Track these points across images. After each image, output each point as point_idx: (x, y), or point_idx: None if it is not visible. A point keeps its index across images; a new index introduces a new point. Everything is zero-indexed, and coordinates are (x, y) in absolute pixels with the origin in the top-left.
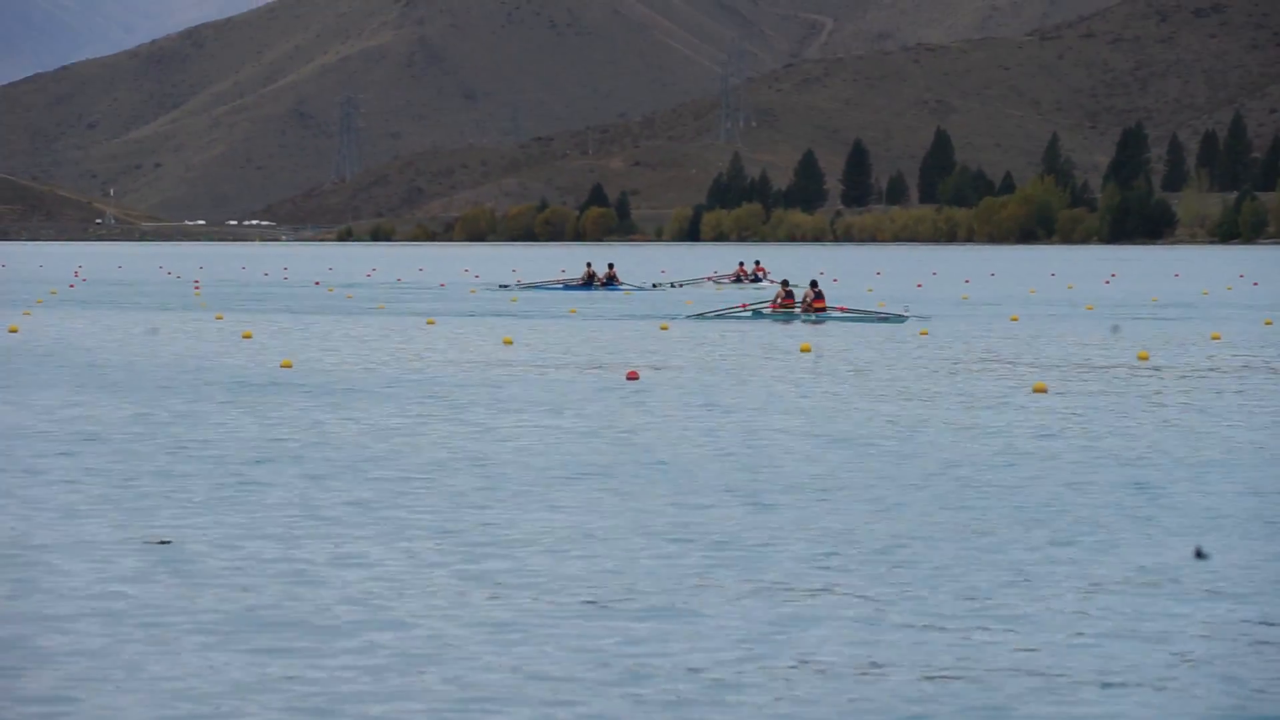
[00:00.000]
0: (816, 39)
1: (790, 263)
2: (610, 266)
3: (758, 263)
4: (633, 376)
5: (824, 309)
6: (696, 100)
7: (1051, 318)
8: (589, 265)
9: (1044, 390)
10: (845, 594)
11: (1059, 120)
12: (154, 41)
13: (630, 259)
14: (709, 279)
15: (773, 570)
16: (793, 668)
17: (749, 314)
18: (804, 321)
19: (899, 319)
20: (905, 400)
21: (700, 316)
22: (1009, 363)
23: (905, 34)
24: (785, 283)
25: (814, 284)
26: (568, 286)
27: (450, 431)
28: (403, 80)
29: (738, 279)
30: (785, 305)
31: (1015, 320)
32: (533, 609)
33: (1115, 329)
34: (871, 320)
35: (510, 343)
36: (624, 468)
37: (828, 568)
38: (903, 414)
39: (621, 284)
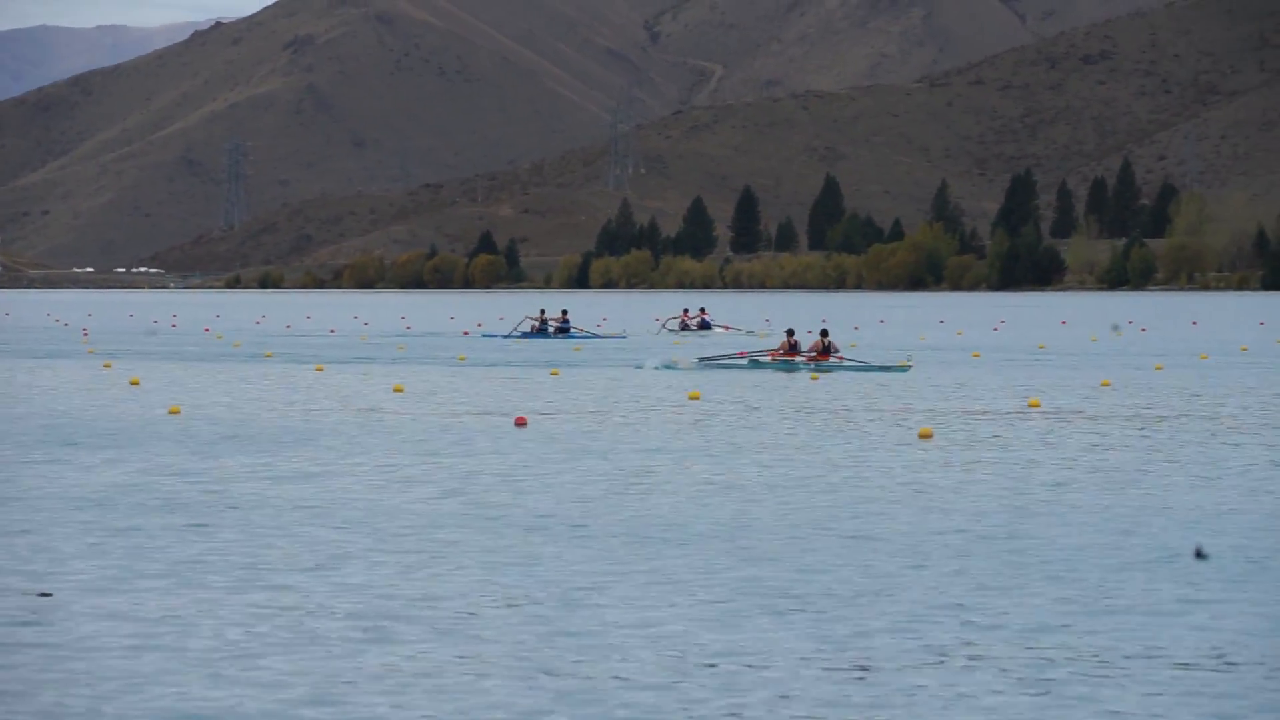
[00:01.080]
0: (706, 86)
1: (680, 307)
2: (698, 311)
3: (702, 309)
4: (521, 423)
5: (827, 359)
6: (585, 147)
7: (941, 364)
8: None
9: (929, 436)
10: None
11: (948, 167)
12: (41, 89)
13: (519, 307)
14: (660, 322)
15: (581, 610)
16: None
17: (746, 363)
18: (808, 371)
19: (903, 369)
20: (787, 447)
21: (704, 362)
22: (897, 409)
23: (794, 81)
24: (790, 332)
25: (824, 333)
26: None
27: (332, 476)
28: (291, 127)
29: (684, 326)
30: (788, 356)
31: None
32: (391, 651)
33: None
34: (874, 370)
35: (401, 390)
36: (496, 512)
37: (670, 615)
38: (782, 460)
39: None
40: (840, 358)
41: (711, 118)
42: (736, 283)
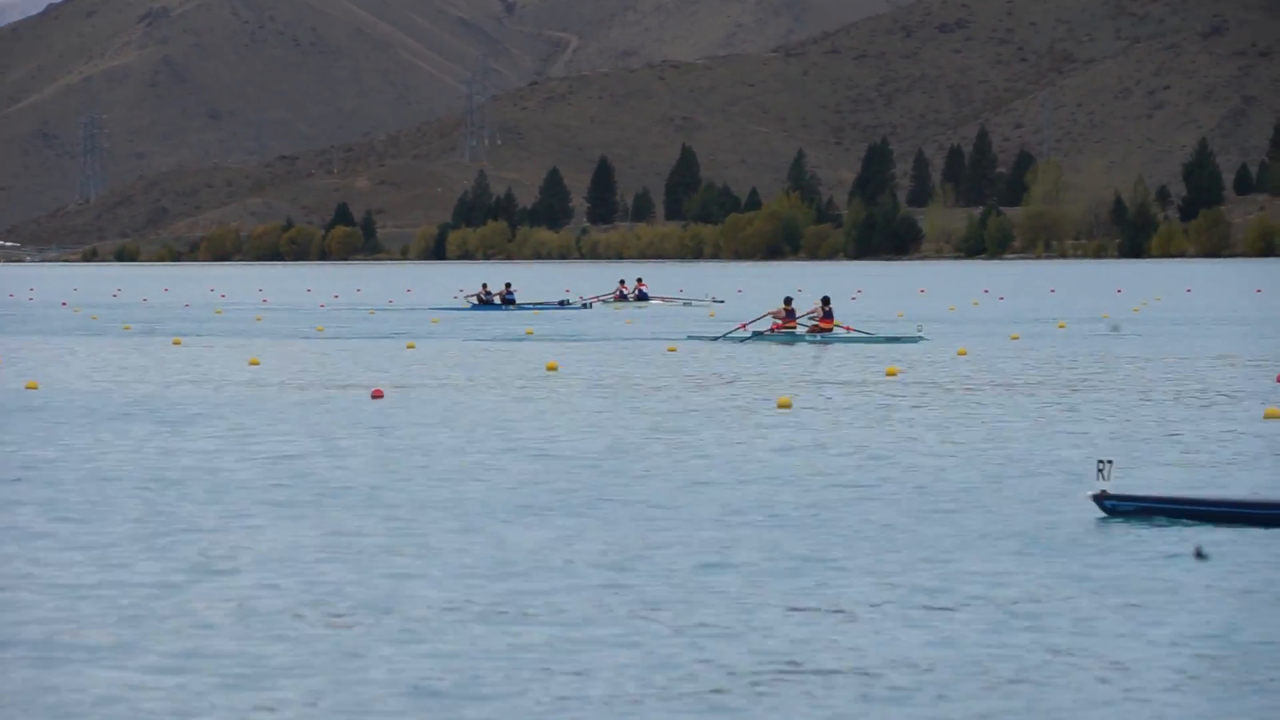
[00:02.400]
0: (561, 56)
1: (539, 280)
2: (635, 282)
3: (639, 280)
4: (378, 395)
5: (831, 329)
6: (441, 118)
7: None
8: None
9: (788, 406)
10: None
11: (804, 136)
12: None
13: (377, 278)
14: (597, 299)
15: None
16: (522, 671)
17: (748, 334)
18: (810, 343)
19: (914, 339)
20: (642, 416)
21: (711, 339)
22: (758, 379)
23: (650, 51)
24: (788, 300)
25: (825, 300)
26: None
27: (186, 449)
28: (147, 100)
29: (622, 296)
30: (787, 326)
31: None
32: (238, 622)
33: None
34: (882, 341)
35: (257, 363)
36: (351, 483)
37: (527, 587)
38: (635, 431)
39: (655, 297)
40: (847, 328)
41: (567, 88)
42: (594, 253)
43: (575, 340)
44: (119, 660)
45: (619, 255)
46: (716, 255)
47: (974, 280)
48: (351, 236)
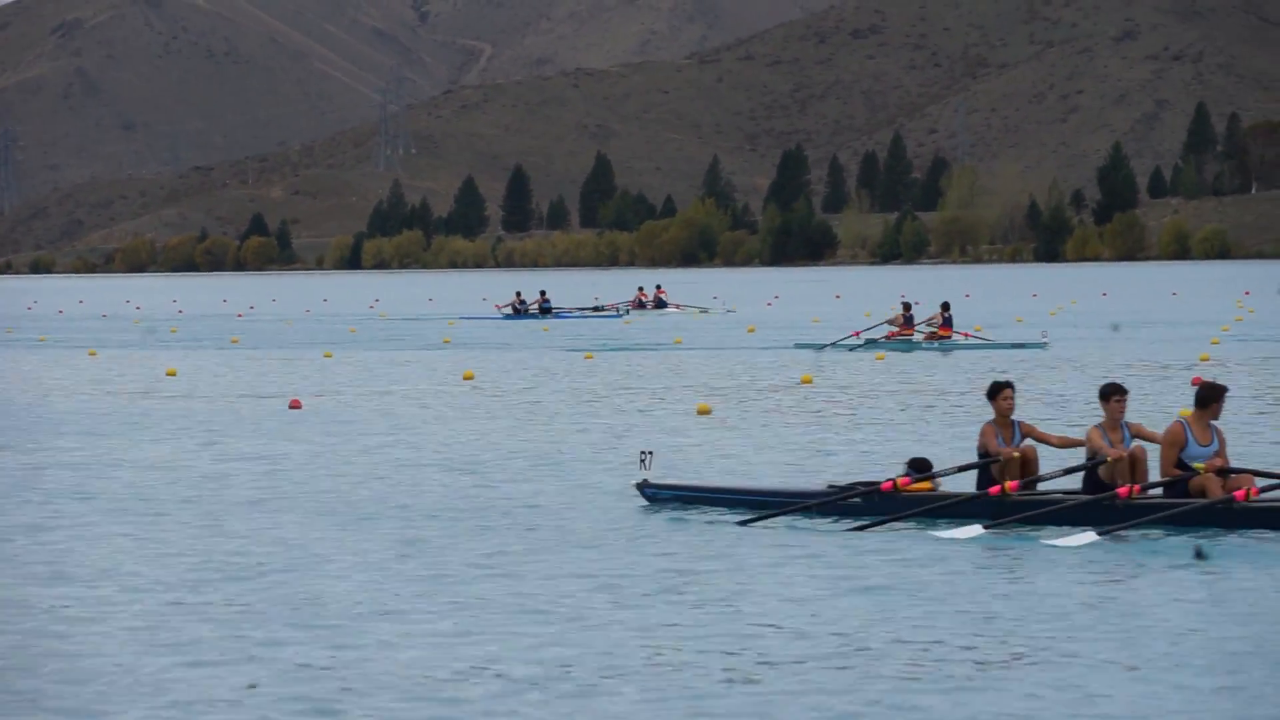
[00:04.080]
0: (475, 65)
1: (456, 289)
2: (654, 289)
3: (659, 287)
4: (295, 405)
5: (950, 336)
6: (356, 128)
7: (714, 341)
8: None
9: (708, 412)
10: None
11: (719, 143)
12: None
13: (293, 289)
14: (612, 307)
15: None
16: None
17: (860, 342)
18: (928, 350)
19: (1039, 345)
20: (542, 426)
21: (822, 347)
22: (674, 385)
23: (564, 59)
24: (906, 305)
25: (945, 306)
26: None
27: (99, 459)
28: (60, 111)
29: (640, 304)
30: (904, 333)
31: (679, 342)
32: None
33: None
34: (1007, 348)
35: (174, 374)
36: (255, 492)
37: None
38: (531, 438)
39: (674, 305)
40: (965, 334)
41: (481, 97)
42: (509, 262)
43: (496, 349)
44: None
45: (535, 264)
46: (632, 262)
47: (890, 286)
48: (266, 247)
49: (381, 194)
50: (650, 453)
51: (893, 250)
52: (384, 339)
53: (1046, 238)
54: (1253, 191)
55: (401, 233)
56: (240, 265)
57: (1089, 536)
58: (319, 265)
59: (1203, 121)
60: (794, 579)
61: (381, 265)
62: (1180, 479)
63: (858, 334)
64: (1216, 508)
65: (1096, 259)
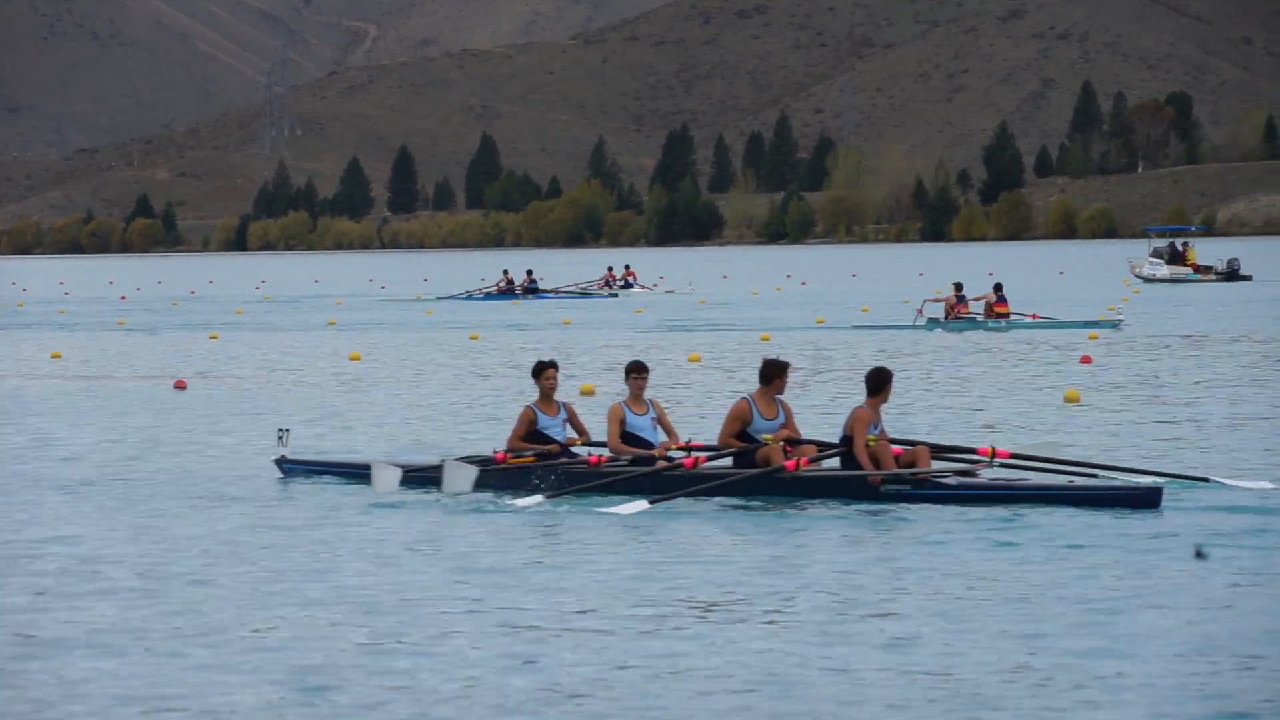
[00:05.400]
0: (360, 46)
1: (342, 271)
2: (623, 270)
3: (627, 267)
4: (180, 385)
5: (1007, 314)
6: (241, 109)
7: (602, 321)
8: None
9: (591, 392)
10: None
11: (605, 124)
12: None
13: (179, 270)
14: (577, 286)
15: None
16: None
17: (924, 322)
18: (989, 330)
19: (1113, 325)
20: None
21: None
22: (569, 368)
23: (449, 40)
24: (958, 286)
25: (998, 287)
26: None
27: None
28: None
29: (607, 284)
30: (961, 311)
31: (568, 323)
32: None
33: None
34: (1078, 327)
35: (59, 356)
36: (136, 475)
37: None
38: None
39: (545, 290)
40: (1032, 315)
41: (367, 78)
42: (395, 243)
43: (382, 328)
44: None
45: (420, 245)
46: (518, 243)
47: (776, 265)
48: (152, 229)
49: (267, 175)
50: (288, 430)
51: (779, 230)
52: (268, 321)
53: (933, 217)
54: (1139, 170)
55: (287, 214)
56: (126, 247)
57: (641, 505)
58: (205, 247)
59: (1089, 100)
60: (381, 543)
61: (267, 247)
62: (747, 450)
63: (920, 311)
64: (772, 476)
65: (983, 238)
